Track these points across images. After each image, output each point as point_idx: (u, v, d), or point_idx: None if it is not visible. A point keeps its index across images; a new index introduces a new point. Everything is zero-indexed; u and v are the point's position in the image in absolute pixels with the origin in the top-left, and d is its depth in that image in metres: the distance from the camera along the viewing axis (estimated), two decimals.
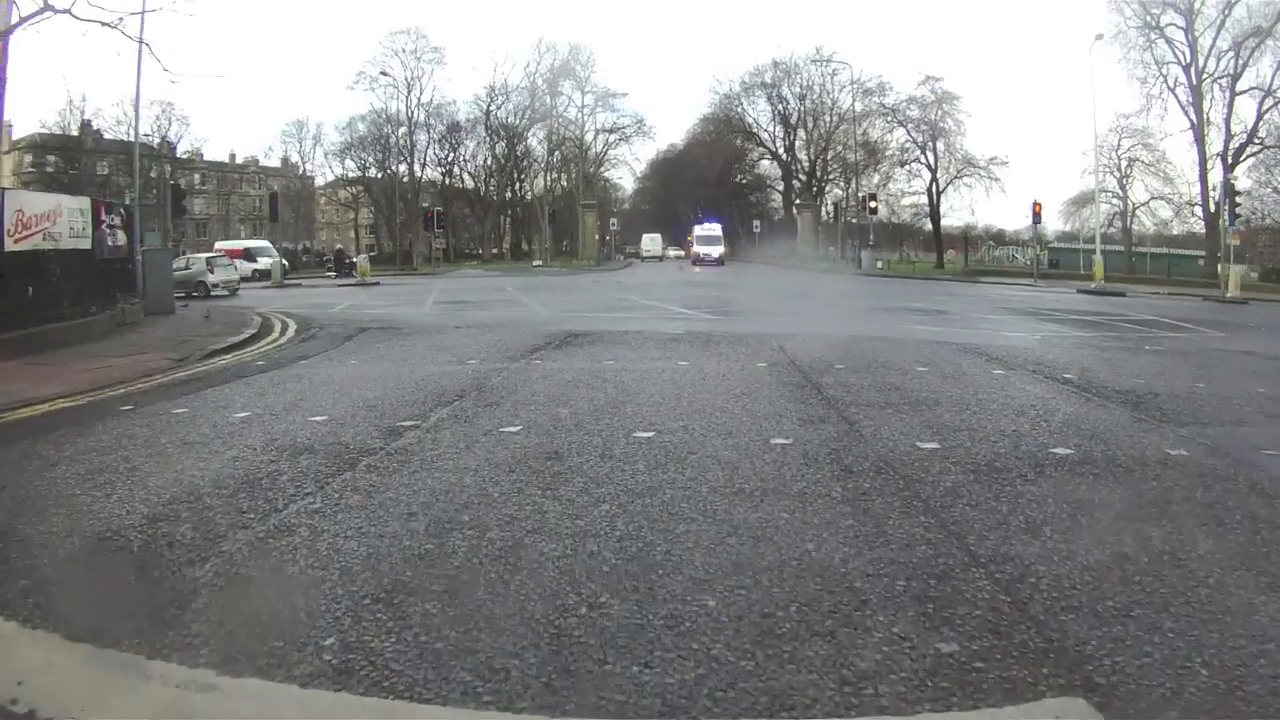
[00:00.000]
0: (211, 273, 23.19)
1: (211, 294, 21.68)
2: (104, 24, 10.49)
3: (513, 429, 5.02)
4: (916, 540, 3.19)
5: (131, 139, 28.95)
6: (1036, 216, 35.69)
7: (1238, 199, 28.02)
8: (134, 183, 19.70)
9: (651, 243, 62.94)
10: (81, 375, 7.43)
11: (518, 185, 63.09)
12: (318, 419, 5.42)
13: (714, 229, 54.73)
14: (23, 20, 10.12)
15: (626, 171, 70.70)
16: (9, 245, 9.21)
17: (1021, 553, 3.03)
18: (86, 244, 10.90)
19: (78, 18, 10.08)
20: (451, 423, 5.24)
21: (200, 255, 26.72)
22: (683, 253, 59.99)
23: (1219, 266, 35.59)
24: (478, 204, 61.92)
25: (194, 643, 2.35)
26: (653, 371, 7.40)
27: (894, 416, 5.45)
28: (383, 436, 4.86)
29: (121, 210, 13.72)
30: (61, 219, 10.13)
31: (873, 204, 42.53)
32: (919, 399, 6.09)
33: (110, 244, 12.03)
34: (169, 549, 3.11)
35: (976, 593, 2.69)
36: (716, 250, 52.46)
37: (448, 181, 59.39)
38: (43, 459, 4.55)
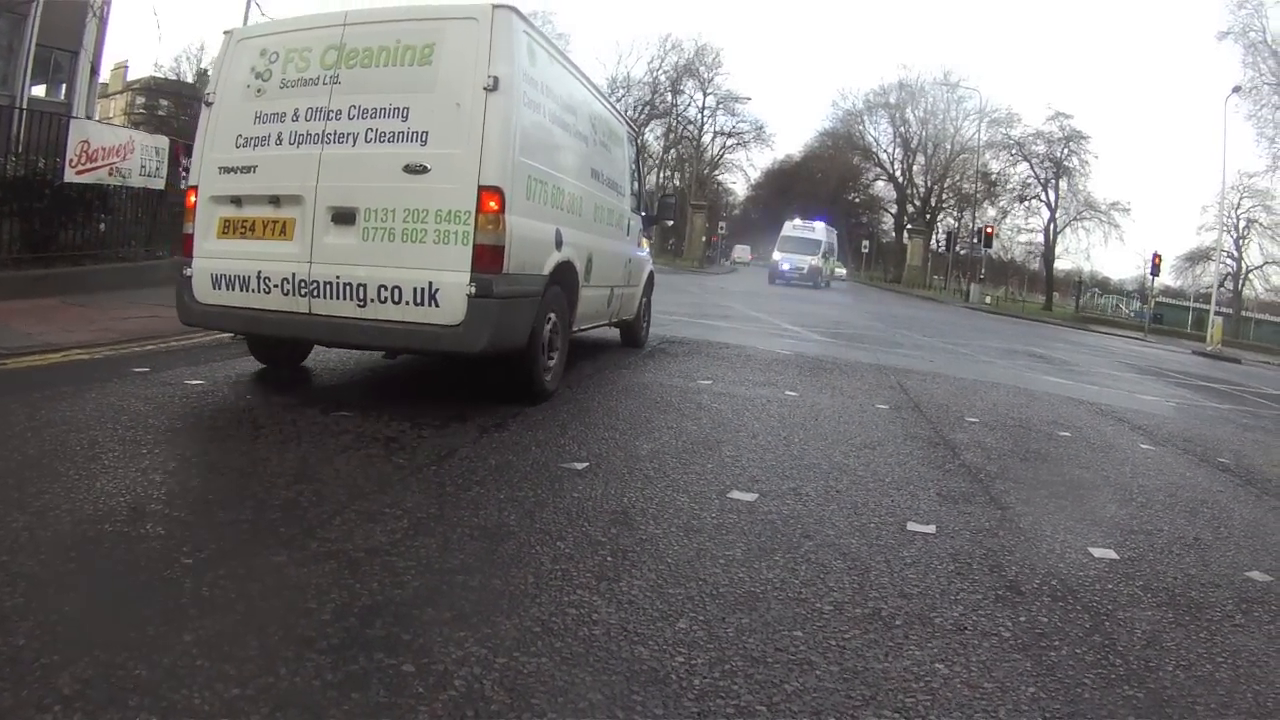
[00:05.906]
0: None
1: None
2: None
3: (576, 465, 3.88)
4: None
5: None
6: (1155, 268, 34.09)
7: None
8: None
9: (742, 252, 67.60)
10: (117, 324, 6.69)
11: None
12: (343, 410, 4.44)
13: (812, 229, 40.23)
14: None
15: (740, 177, 70.11)
16: (69, 175, 8.56)
17: None
18: (160, 184, 10.17)
19: None
20: (491, 448, 4.12)
21: None
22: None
23: None
24: None
25: None
26: (756, 401, 6.17)
27: (1052, 502, 4.25)
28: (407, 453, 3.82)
29: None
30: (133, 155, 9.40)
31: (989, 237, 40.70)
32: (1074, 479, 4.89)
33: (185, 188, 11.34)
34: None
35: None
36: (807, 261, 36.69)
37: None
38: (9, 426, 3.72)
